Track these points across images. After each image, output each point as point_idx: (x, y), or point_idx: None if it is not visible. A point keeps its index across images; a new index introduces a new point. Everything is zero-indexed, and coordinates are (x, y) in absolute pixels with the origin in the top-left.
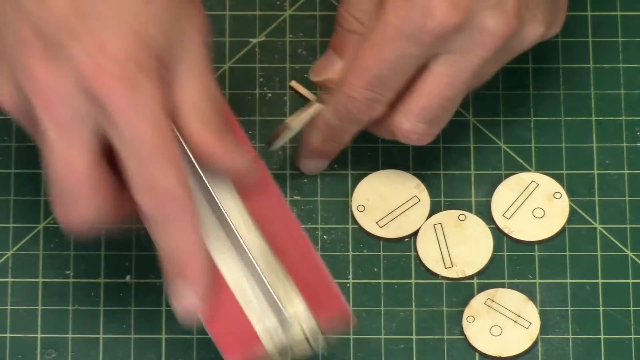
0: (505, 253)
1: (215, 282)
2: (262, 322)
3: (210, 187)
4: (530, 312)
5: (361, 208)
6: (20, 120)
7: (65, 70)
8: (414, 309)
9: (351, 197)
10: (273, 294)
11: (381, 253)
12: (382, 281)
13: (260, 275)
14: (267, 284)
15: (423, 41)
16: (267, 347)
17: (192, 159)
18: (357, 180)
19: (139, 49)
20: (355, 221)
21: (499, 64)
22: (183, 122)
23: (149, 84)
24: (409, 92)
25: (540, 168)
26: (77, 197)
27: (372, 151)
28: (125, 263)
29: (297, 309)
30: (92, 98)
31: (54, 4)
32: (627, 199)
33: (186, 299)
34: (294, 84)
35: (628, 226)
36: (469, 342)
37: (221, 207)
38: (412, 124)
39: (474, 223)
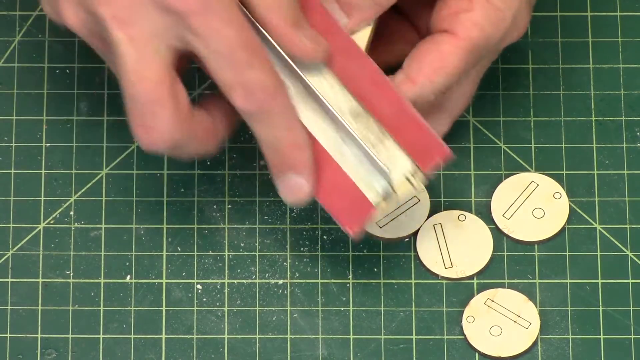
0: (505, 253)
1: (321, 158)
2: (372, 188)
3: (294, 64)
4: (530, 312)
5: None
6: (87, 39)
7: None
8: (413, 309)
9: None
10: (374, 156)
11: (381, 253)
12: (382, 281)
13: (359, 141)
14: (366, 147)
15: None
16: (380, 209)
17: (274, 44)
18: None
19: None
20: None
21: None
22: (257, 14)
23: None
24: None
25: (540, 168)
26: (153, 107)
27: None
28: (125, 263)
29: (402, 165)
30: (169, 12)
31: None
32: (627, 199)
33: (298, 189)
34: None
35: (628, 226)
36: (468, 342)
37: (306, 80)
38: (449, 126)
39: (474, 223)
